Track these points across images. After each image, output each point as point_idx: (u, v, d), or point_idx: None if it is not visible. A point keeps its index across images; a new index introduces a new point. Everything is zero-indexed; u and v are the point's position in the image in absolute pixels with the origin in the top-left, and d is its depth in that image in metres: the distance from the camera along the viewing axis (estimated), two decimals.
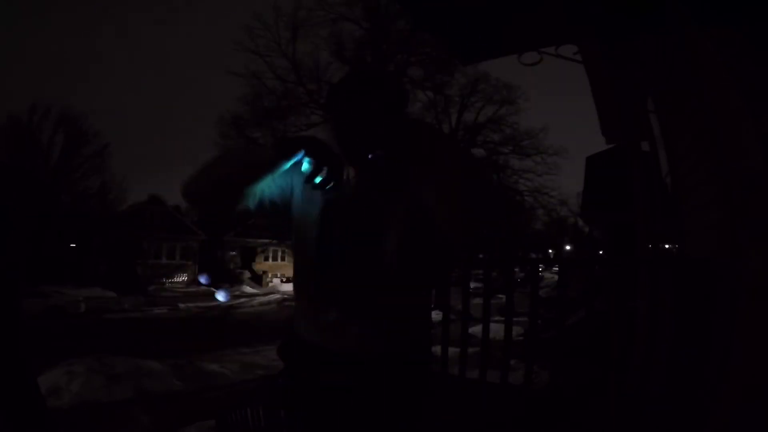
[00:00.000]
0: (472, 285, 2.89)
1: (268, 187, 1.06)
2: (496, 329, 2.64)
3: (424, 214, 0.98)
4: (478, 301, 2.68)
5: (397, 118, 1.02)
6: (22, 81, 49.83)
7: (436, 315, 2.80)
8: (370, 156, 1.00)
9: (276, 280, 32.40)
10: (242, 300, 22.81)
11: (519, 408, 2.37)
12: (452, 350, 2.68)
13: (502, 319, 2.65)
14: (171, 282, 27.86)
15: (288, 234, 1.12)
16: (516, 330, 2.84)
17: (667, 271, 2.35)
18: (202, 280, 26.87)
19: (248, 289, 28.07)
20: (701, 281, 1.97)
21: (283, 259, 34.51)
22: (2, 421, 2.10)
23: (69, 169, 24.62)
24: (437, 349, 2.62)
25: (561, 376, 2.45)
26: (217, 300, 21.06)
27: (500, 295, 3.00)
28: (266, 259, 33.79)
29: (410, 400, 1.07)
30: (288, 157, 0.96)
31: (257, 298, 23.96)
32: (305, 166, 0.97)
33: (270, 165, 0.97)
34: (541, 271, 3.29)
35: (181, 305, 19.22)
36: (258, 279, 31.71)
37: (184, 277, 28.95)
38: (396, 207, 1.00)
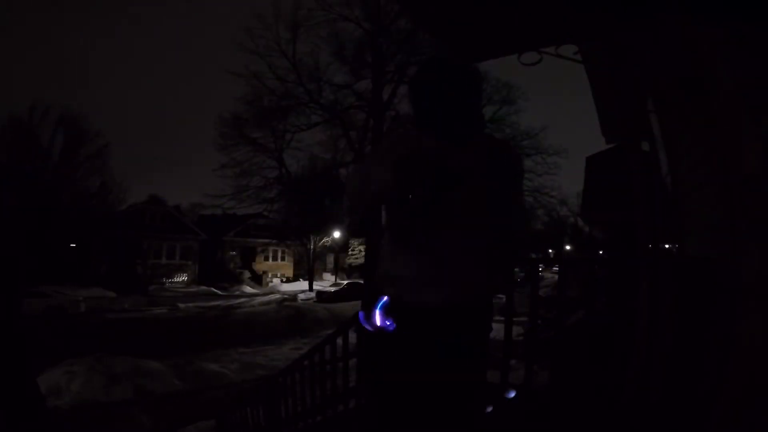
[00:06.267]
0: None
1: None
2: (496, 329, 2.63)
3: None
4: None
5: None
6: (22, 81, 49.86)
7: None
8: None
9: (276, 280, 32.38)
10: (242, 300, 22.80)
11: (519, 408, 2.37)
12: None
13: (502, 319, 2.64)
14: (171, 282, 27.87)
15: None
16: (516, 330, 2.84)
17: (667, 270, 2.35)
18: None
19: (248, 289, 28.07)
20: (701, 281, 1.97)
21: (283, 259, 34.48)
22: (2, 421, 2.10)
23: (69, 169, 24.56)
24: None
25: (561, 376, 2.45)
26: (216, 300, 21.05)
27: (500, 295, 3.00)
28: (266, 259, 33.78)
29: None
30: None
31: (257, 298, 23.96)
32: None
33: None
34: (541, 271, 3.28)
35: (181, 305, 19.23)
36: (258, 279, 31.70)
37: (184, 277, 28.95)
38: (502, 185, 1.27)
